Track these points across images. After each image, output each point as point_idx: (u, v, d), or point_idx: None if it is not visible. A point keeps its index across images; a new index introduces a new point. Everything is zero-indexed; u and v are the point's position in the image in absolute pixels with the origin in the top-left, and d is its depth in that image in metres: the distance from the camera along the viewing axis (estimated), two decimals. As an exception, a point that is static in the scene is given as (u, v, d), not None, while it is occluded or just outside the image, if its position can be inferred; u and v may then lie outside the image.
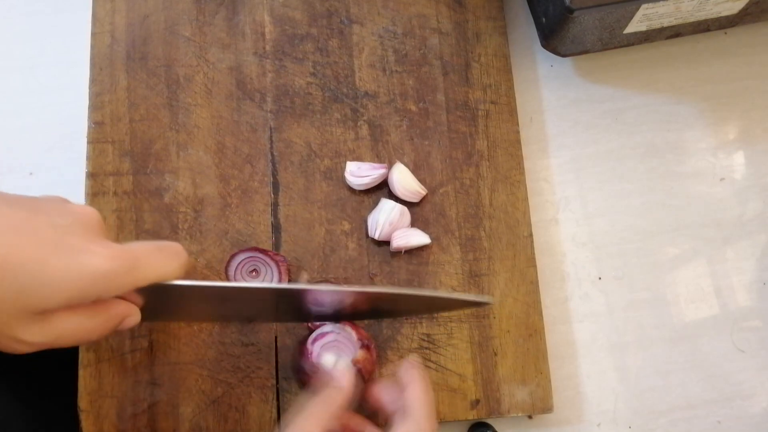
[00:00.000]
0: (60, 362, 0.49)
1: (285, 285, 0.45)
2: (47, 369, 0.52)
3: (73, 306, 0.31)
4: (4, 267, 0.29)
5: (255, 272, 0.47)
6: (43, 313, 0.30)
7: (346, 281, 0.48)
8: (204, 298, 0.39)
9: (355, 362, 0.41)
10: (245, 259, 0.47)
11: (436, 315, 0.48)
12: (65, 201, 0.34)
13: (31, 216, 0.31)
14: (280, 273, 0.46)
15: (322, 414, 0.36)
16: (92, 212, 0.33)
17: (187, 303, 0.40)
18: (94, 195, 0.49)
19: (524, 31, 0.57)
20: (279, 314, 0.45)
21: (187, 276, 0.36)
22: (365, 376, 0.42)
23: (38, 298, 0.29)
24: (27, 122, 0.57)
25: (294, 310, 0.44)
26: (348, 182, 0.49)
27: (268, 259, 0.46)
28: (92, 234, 0.32)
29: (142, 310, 0.36)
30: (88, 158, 0.49)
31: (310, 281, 0.48)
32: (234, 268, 0.47)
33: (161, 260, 0.34)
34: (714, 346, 0.51)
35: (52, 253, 0.30)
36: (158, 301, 0.36)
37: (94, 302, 0.32)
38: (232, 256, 0.47)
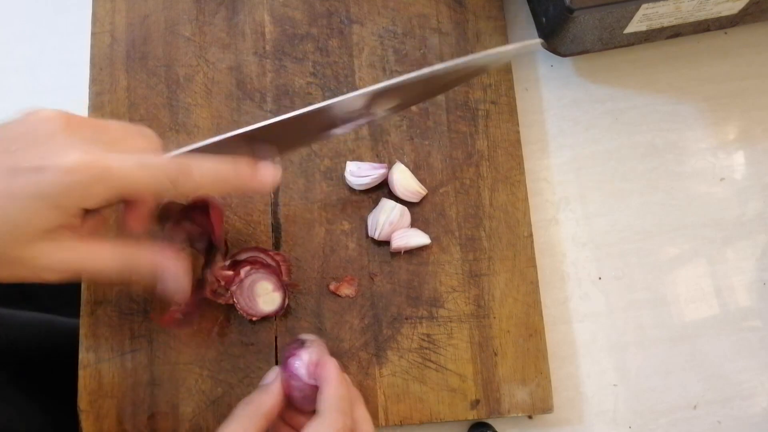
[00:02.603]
0: (61, 362, 0.49)
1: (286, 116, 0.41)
2: (49, 369, 0.53)
3: (77, 228, 0.32)
4: None
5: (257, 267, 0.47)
6: (47, 232, 0.31)
7: (347, 281, 0.48)
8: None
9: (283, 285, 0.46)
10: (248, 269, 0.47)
11: (436, 315, 0.48)
12: (29, 115, 0.33)
13: None
14: (281, 272, 0.46)
15: (251, 418, 0.36)
16: (50, 116, 0.32)
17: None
18: (94, 195, 0.49)
19: (524, 31, 0.57)
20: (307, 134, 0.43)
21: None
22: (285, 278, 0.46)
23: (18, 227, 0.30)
24: (27, 122, 0.57)
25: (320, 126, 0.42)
26: (348, 182, 0.49)
27: (268, 259, 0.47)
28: (51, 142, 0.31)
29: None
30: (88, 158, 0.49)
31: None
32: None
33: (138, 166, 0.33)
34: (714, 346, 0.51)
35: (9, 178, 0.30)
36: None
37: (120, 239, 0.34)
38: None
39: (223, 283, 0.45)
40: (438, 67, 0.39)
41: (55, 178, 0.30)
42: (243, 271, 0.46)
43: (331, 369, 0.39)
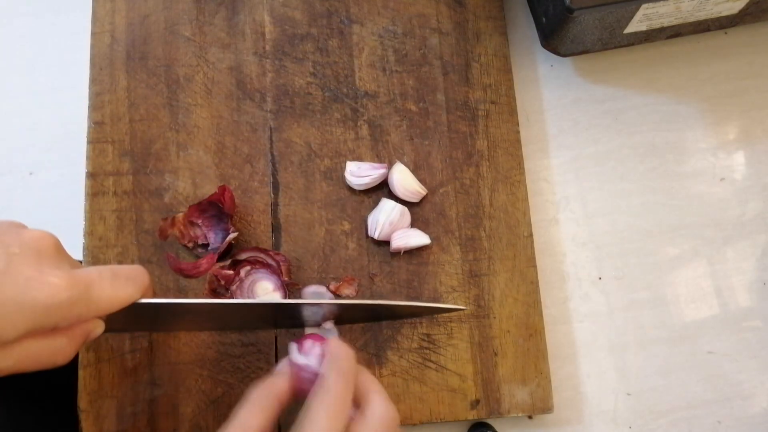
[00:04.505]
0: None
1: (254, 301, 0.45)
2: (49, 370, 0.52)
3: (30, 334, 0.30)
4: None
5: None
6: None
7: (347, 281, 0.48)
8: (181, 313, 0.39)
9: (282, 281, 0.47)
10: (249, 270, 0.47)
11: (436, 315, 0.48)
12: (19, 226, 0.33)
13: None
14: (281, 272, 0.46)
15: (264, 404, 0.36)
16: (46, 238, 0.32)
17: (166, 318, 0.39)
18: (94, 195, 0.49)
19: (524, 31, 0.57)
20: (275, 323, 0.46)
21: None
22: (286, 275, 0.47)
23: None
24: (27, 122, 0.57)
25: (286, 318, 0.44)
26: (348, 182, 0.49)
27: (268, 259, 0.47)
28: (46, 261, 0.31)
29: (121, 323, 0.35)
30: (88, 158, 0.49)
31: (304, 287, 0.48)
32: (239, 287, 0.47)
33: (116, 288, 0.33)
34: (714, 346, 0.51)
35: (4, 284, 0.29)
36: (131, 317, 0.35)
37: (53, 328, 0.31)
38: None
39: (223, 282, 0.45)
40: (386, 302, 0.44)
41: (52, 293, 0.30)
42: (243, 271, 0.46)
43: (333, 344, 0.37)
